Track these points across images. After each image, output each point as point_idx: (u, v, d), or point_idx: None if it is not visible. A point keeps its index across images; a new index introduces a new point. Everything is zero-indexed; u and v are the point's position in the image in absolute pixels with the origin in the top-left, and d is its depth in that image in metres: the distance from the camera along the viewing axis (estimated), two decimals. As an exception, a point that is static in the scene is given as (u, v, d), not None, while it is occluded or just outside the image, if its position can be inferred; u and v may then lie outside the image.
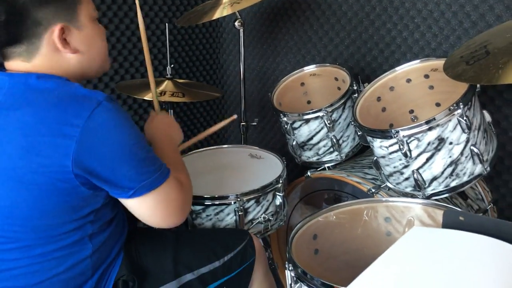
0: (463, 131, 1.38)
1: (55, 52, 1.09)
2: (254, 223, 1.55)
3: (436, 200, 1.40)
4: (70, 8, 1.10)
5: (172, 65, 2.13)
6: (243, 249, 1.37)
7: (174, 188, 1.16)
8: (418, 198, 1.45)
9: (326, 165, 1.87)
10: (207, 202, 1.49)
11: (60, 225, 1.08)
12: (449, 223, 0.90)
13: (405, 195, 1.52)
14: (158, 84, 2.02)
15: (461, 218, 0.89)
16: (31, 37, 1.06)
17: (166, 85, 2.08)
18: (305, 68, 2.05)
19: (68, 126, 1.00)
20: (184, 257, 1.31)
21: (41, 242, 1.08)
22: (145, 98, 1.97)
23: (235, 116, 1.74)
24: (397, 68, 1.69)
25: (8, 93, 1.05)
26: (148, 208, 1.13)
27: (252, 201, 1.52)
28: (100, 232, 1.16)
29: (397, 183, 1.54)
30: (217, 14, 1.90)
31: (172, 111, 2.16)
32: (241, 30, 2.08)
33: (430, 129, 1.37)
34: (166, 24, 2.14)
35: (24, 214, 1.05)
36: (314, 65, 2.05)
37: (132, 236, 1.31)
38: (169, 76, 2.12)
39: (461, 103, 1.35)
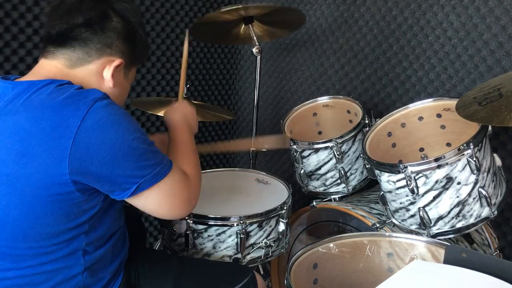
0: (472, 172, 1.37)
1: (97, 74, 1.13)
2: (255, 248, 1.53)
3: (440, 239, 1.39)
4: (136, 60, 1.23)
5: (188, 86, 2.15)
6: (244, 286, 1.36)
7: (178, 180, 1.14)
8: (422, 236, 1.43)
9: (332, 197, 1.86)
10: (210, 222, 1.49)
11: (52, 235, 1.04)
12: (450, 259, 0.88)
13: (410, 232, 1.50)
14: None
15: (463, 254, 0.88)
16: (94, 50, 1.11)
17: (180, 104, 2.10)
18: (319, 98, 2.07)
19: (64, 128, 0.97)
20: None
21: (32, 252, 1.04)
22: (159, 114, 1.99)
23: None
24: (409, 105, 1.69)
25: (9, 100, 1.03)
26: (153, 203, 1.11)
27: (255, 225, 1.52)
28: (94, 248, 1.12)
29: (402, 220, 1.52)
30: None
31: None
32: (259, 57, 2.11)
33: (439, 167, 1.37)
34: (186, 45, 2.18)
35: (16, 222, 1.02)
36: (328, 96, 2.06)
37: (136, 257, 1.29)
38: (184, 96, 2.15)
39: (471, 143, 1.35)
